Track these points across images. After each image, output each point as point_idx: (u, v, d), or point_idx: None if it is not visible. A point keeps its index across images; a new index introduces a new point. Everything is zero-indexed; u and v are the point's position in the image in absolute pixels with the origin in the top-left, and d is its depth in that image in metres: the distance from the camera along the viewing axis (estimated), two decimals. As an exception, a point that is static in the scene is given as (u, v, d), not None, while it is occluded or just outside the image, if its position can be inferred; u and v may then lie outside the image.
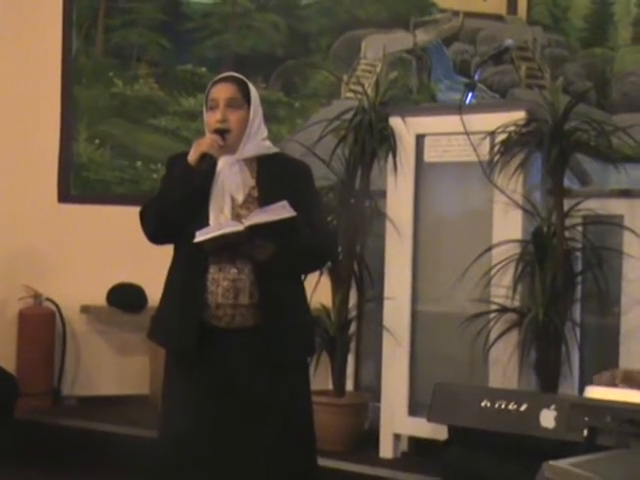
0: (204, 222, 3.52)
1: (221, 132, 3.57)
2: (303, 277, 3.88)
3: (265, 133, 3.72)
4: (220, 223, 3.50)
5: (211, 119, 3.61)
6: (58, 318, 6.29)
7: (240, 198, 3.57)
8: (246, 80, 3.73)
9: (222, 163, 3.63)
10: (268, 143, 3.72)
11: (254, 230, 3.41)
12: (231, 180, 3.60)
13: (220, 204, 3.56)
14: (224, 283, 3.52)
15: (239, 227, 3.42)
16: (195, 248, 3.50)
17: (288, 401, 3.61)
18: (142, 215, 3.64)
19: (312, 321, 3.85)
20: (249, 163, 3.65)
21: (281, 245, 3.48)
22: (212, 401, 3.57)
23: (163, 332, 3.71)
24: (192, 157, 3.53)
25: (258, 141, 3.67)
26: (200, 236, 3.42)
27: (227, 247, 3.48)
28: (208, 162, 3.54)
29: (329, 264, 5.12)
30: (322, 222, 3.82)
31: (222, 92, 3.64)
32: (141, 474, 3.80)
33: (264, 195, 3.54)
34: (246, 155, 3.64)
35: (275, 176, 3.61)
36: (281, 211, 3.43)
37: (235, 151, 3.63)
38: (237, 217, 3.51)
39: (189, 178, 3.54)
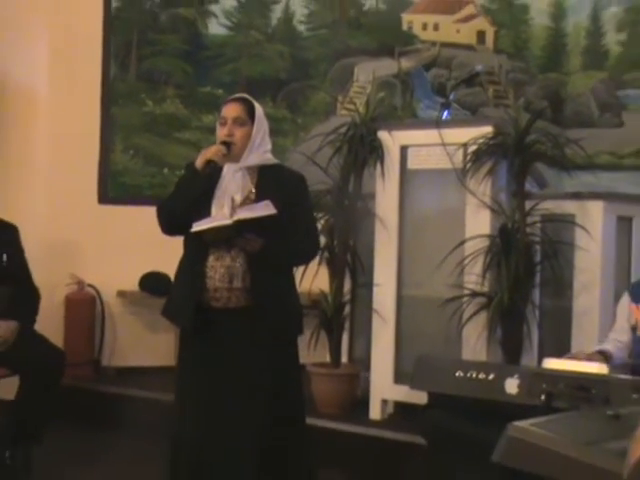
0: (207, 217, 3.55)
1: (227, 144, 3.60)
2: (295, 269, 3.90)
3: (269, 146, 3.72)
4: (213, 217, 3.54)
5: (220, 133, 3.64)
6: (98, 301, 6.28)
7: (239, 199, 3.59)
8: (252, 100, 3.73)
9: (227, 169, 3.65)
10: (270, 155, 3.73)
11: (241, 224, 3.43)
12: (233, 184, 3.63)
13: (221, 203, 3.59)
14: (220, 270, 3.56)
15: (228, 221, 3.47)
16: (198, 240, 3.54)
17: (278, 373, 3.62)
18: (158, 211, 3.69)
19: (300, 305, 3.83)
20: (251, 171, 3.66)
21: (269, 240, 3.50)
22: (211, 369, 3.60)
23: (171, 310, 3.75)
24: (199, 163, 3.58)
25: (260, 153, 3.67)
26: (196, 227, 3.48)
27: (223, 239, 3.52)
28: (212, 168, 3.57)
29: (327, 256, 5.14)
30: (310, 226, 3.83)
31: (230, 111, 3.67)
32: (166, 433, 3.79)
33: (260, 199, 3.55)
34: (249, 164, 3.65)
35: (272, 183, 3.62)
36: (265, 209, 3.46)
37: (239, 160, 3.64)
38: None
39: (195, 180, 3.58)
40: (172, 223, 3.64)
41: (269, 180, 3.64)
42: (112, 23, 6.53)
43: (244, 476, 3.55)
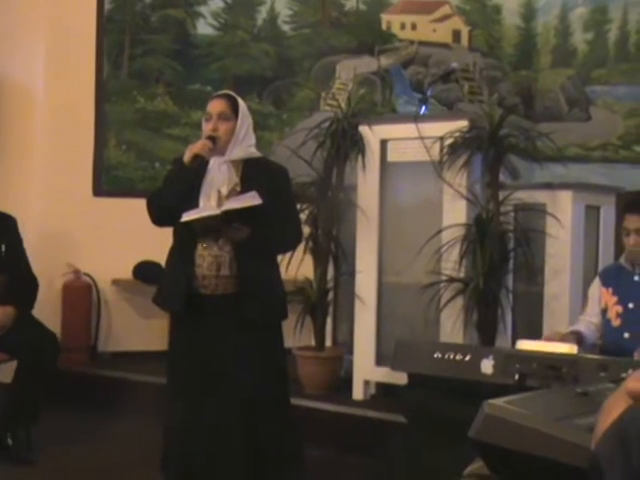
0: (196, 208, 3.55)
1: (212, 138, 3.59)
2: (280, 257, 3.91)
3: (253, 140, 3.72)
4: (201, 207, 3.54)
5: (206, 128, 3.64)
6: (94, 289, 6.26)
7: (225, 191, 3.59)
8: (236, 97, 3.73)
9: (213, 163, 3.64)
10: (254, 149, 3.73)
11: (229, 214, 3.43)
12: (219, 177, 3.63)
13: (208, 195, 3.59)
14: (209, 258, 3.56)
15: (216, 211, 3.47)
16: (187, 230, 3.54)
17: (264, 356, 3.63)
18: (148, 203, 3.69)
19: (284, 291, 3.83)
20: (236, 164, 3.66)
21: (255, 229, 3.50)
22: (200, 353, 3.61)
23: (162, 297, 3.75)
24: (186, 157, 3.58)
25: (245, 146, 3.67)
26: (185, 217, 3.48)
27: (211, 229, 3.52)
28: (199, 161, 3.57)
29: (311, 245, 5.13)
30: (293, 216, 3.83)
31: (215, 107, 3.67)
32: (160, 415, 3.79)
33: (245, 191, 3.55)
34: (233, 157, 3.64)
35: (257, 176, 3.62)
36: (251, 199, 3.47)
37: (224, 154, 3.63)
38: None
39: (183, 174, 3.58)
40: (162, 214, 3.65)
41: (254, 173, 3.64)
42: (105, 24, 6.50)
43: (232, 457, 3.55)
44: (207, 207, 3.52)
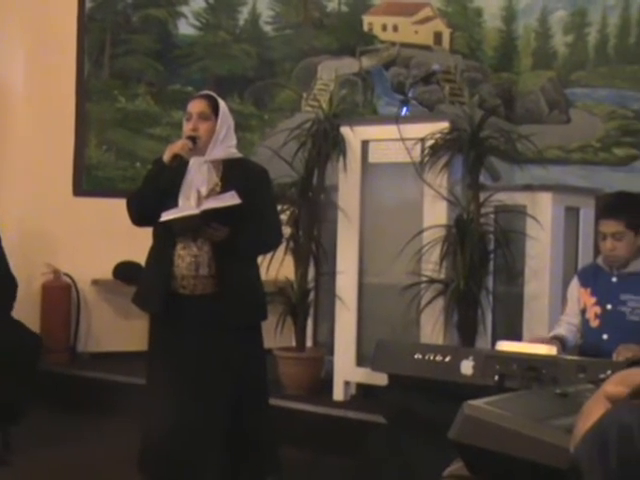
0: (175, 208, 3.54)
1: (192, 138, 3.58)
2: (260, 258, 3.91)
3: (234, 141, 3.72)
4: (181, 207, 3.52)
5: (186, 128, 3.63)
6: (73, 289, 6.23)
7: (204, 191, 3.58)
8: (216, 97, 3.72)
9: (193, 163, 3.63)
10: (234, 150, 3.72)
11: (208, 214, 3.42)
12: (198, 177, 3.62)
13: (188, 195, 3.58)
14: (187, 258, 3.55)
15: (195, 211, 3.45)
16: (166, 230, 3.52)
17: (243, 357, 3.62)
18: (128, 203, 3.68)
19: (264, 291, 3.82)
20: (216, 165, 3.65)
21: (234, 229, 3.50)
22: (178, 353, 3.59)
23: (141, 298, 3.74)
24: (166, 157, 3.56)
25: (225, 147, 3.66)
26: (164, 216, 3.46)
27: (190, 229, 3.50)
28: (179, 161, 3.55)
29: (292, 245, 5.13)
30: (273, 216, 3.82)
31: (195, 107, 3.66)
32: (139, 416, 3.78)
33: (225, 191, 3.54)
34: (213, 157, 3.63)
35: (237, 176, 3.61)
36: (230, 199, 3.46)
37: (204, 154, 3.62)
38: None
39: (163, 174, 3.56)
40: (141, 214, 3.63)
41: (233, 173, 3.63)
42: (86, 23, 6.47)
43: (211, 458, 3.54)
44: (186, 207, 3.51)
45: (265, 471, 3.76)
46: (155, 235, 3.68)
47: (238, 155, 3.74)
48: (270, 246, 3.98)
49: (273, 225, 3.79)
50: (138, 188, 3.71)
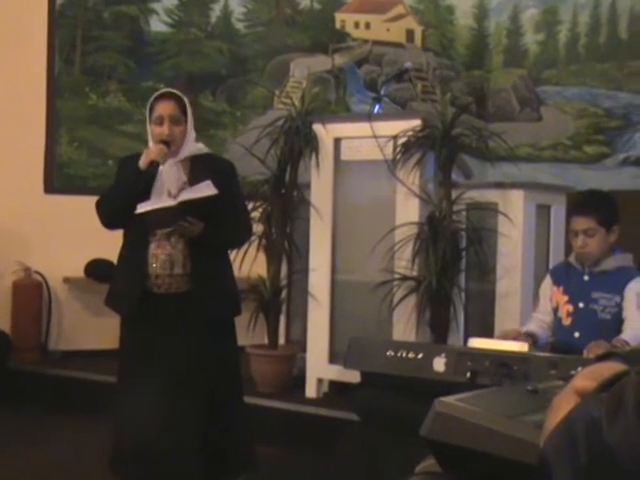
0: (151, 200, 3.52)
1: (166, 143, 3.56)
2: (231, 252, 3.90)
3: (194, 135, 3.71)
4: (157, 199, 3.50)
5: (158, 132, 3.58)
6: (45, 287, 6.19)
7: (174, 191, 3.58)
8: (182, 95, 3.70)
9: (164, 164, 3.62)
10: (201, 145, 3.71)
11: (185, 206, 3.41)
12: (169, 177, 3.60)
13: (159, 195, 3.56)
14: (162, 257, 3.53)
15: (172, 203, 3.44)
16: (138, 229, 3.50)
17: (217, 354, 3.61)
18: (98, 205, 3.64)
19: (237, 288, 3.82)
20: (184, 163, 3.65)
21: (206, 225, 3.49)
22: (152, 351, 3.57)
23: (114, 299, 3.71)
24: (143, 163, 3.52)
25: (191, 144, 3.65)
26: (140, 208, 3.43)
27: (167, 222, 3.48)
28: (155, 167, 3.54)
29: (264, 242, 5.12)
30: (242, 211, 3.82)
31: (166, 109, 3.61)
32: (110, 414, 3.75)
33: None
34: (183, 157, 3.63)
35: (204, 172, 3.60)
36: (206, 189, 3.45)
37: (177, 155, 3.62)
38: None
39: (139, 179, 3.53)
40: (113, 218, 3.60)
41: (201, 169, 3.62)
42: (57, 19, 6.42)
43: (185, 457, 3.53)
44: (163, 199, 3.49)
45: (241, 468, 3.76)
46: (126, 235, 3.65)
47: (206, 150, 3.73)
48: (241, 240, 3.97)
49: (242, 219, 3.79)
50: (107, 192, 3.67)
